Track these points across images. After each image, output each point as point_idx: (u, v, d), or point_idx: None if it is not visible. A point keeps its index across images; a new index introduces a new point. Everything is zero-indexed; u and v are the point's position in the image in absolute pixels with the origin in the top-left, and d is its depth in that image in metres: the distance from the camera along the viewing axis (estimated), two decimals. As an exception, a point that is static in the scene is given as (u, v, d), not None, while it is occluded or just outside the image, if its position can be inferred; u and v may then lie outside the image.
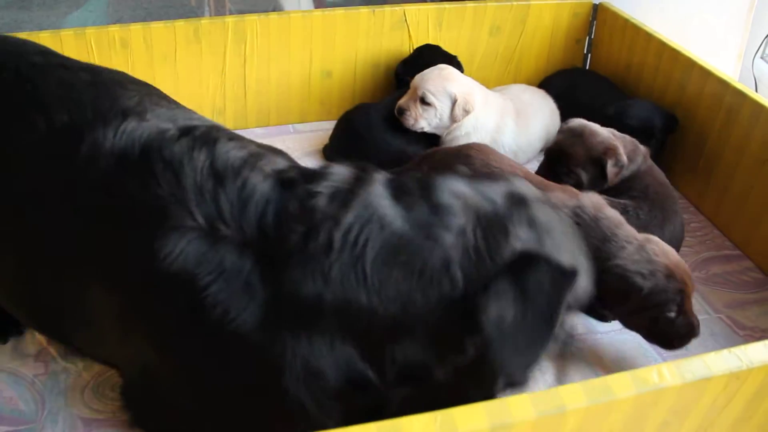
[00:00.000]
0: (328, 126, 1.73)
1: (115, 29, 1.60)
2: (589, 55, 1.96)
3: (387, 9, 1.78)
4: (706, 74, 1.46)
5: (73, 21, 1.98)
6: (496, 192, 0.81)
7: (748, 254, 1.40)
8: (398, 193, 0.80)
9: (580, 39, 1.95)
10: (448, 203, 0.78)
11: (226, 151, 0.83)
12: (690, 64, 1.52)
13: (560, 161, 1.35)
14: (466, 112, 1.55)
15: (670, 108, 1.58)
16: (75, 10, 1.97)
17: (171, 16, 1.95)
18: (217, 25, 1.65)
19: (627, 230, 1.11)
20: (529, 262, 0.75)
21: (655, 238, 1.11)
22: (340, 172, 0.83)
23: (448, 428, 0.67)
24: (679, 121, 1.54)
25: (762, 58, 2.05)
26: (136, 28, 1.60)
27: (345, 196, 0.78)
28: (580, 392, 0.72)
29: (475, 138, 1.57)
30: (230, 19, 1.68)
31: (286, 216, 0.77)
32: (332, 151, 1.66)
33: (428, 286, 0.74)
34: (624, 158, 1.30)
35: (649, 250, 1.07)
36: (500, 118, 1.62)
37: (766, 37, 1.99)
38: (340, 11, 1.74)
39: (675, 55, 1.57)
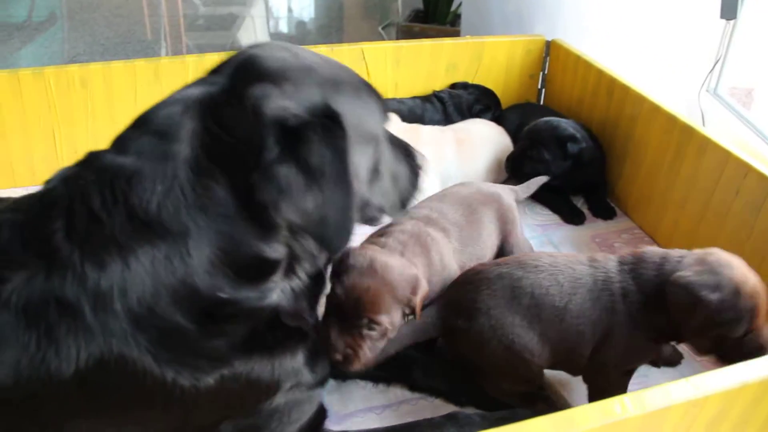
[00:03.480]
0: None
1: (74, 68, 1.59)
2: (543, 90, 2.03)
3: (345, 47, 1.82)
4: (655, 109, 1.53)
5: (27, 56, 1.96)
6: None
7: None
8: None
9: (534, 74, 2.02)
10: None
11: None
12: (640, 100, 1.58)
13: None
14: None
15: (624, 140, 1.65)
16: (29, 45, 1.94)
17: (128, 51, 1.94)
18: (177, 64, 1.66)
19: (676, 251, 1.06)
20: (294, 136, 0.76)
21: (716, 250, 1.04)
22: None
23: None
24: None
25: (707, 91, 2.14)
26: (95, 67, 1.59)
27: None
28: (546, 425, 0.73)
29: None
30: (190, 59, 1.68)
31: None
32: None
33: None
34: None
35: (712, 262, 1.00)
36: (437, 148, 1.66)
37: (710, 71, 2.09)
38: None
39: (625, 90, 1.64)
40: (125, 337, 0.74)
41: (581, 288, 1.04)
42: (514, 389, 1.10)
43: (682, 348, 1.26)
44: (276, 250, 0.82)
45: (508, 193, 1.38)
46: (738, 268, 0.99)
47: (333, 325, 0.99)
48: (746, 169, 1.27)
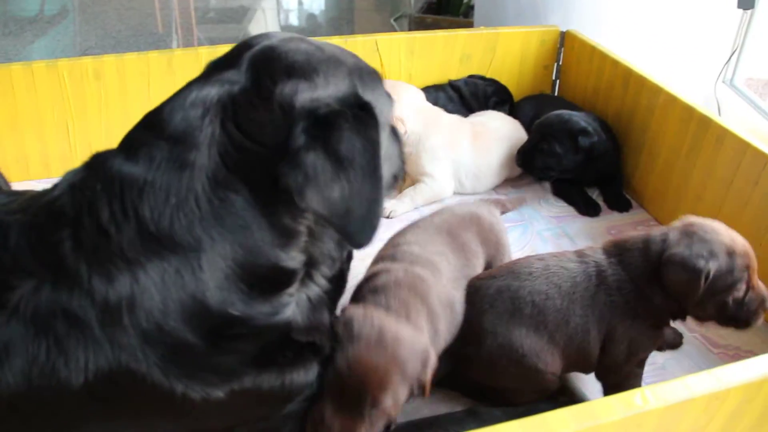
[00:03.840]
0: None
1: (88, 61, 1.59)
2: (558, 80, 2.01)
3: (359, 38, 1.81)
4: (671, 100, 1.51)
5: (39, 49, 1.97)
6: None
7: (719, 274, 1.43)
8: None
9: (548, 65, 2.00)
10: None
11: None
12: (656, 91, 1.56)
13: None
14: None
15: (640, 132, 1.63)
16: (41, 38, 1.95)
17: (140, 44, 1.94)
18: (191, 55, 1.66)
19: (656, 230, 1.05)
20: (325, 125, 0.73)
21: (693, 218, 1.03)
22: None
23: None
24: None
25: (724, 81, 2.12)
26: (109, 59, 1.59)
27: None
28: (567, 417, 0.73)
29: (427, 154, 1.63)
30: (203, 50, 1.68)
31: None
32: None
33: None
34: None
35: (697, 231, 0.99)
36: (453, 136, 1.66)
37: (727, 62, 2.06)
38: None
39: (641, 81, 1.62)
40: (134, 352, 0.73)
41: (579, 286, 1.04)
42: (532, 399, 1.09)
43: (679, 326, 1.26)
44: (293, 259, 0.80)
45: (490, 210, 1.26)
46: (723, 232, 1.00)
47: (329, 401, 0.85)
48: (765, 159, 1.26)
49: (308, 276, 0.84)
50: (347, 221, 0.75)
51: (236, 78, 0.77)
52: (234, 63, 0.79)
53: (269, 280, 0.78)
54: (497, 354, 1.03)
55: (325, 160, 0.73)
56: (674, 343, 1.23)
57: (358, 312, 0.91)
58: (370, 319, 0.89)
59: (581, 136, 1.58)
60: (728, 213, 1.38)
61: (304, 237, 0.80)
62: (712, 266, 0.96)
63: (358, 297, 1.01)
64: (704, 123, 1.40)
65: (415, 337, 0.91)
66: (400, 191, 1.65)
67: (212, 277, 0.74)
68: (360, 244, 0.78)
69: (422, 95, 1.71)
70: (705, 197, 1.44)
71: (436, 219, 1.19)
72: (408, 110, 1.62)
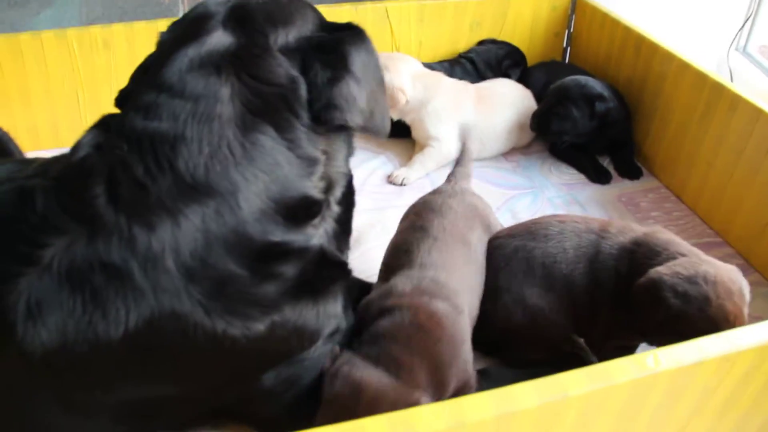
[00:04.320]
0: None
1: (97, 30, 1.59)
2: (569, 48, 1.99)
3: (369, 5, 1.79)
4: (684, 67, 1.50)
5: (46, 20, 1.95)
6: None
7: (729, 241, 1.43)
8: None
9: (559, 32, 1.98)
10: None
11: None
12: (668, 57, 1.55)
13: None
14: (393, 102, 1.61)
15: (651, 99, 1.62)
16: (47, 9, 1.93)
17: (146, 14, 1.92)
18: (200, 23, 1.65)
19: (682, 248, 1.02)
20: (334, 56, 0.85)
21: (715, 262, 0.97)
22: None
23: (457, 417, 0.68)
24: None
25: (737, 49, 2.09)
26: (118, 28, 1.59)
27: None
28: (582, 378, 0.74)
29: (431, 117, 1.62)
30: (213, 18, 1.67)
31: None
32: None
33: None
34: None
35: (701, 271, 0.94)
36: (454, 98, 1.65)
37: (740, 29, 2.04)
38: (321, 8, 1.74)
39: (653, 48, 1.60)
40: (178, 294, 0.75)
41: (584, 257, 1.05)
42: (545, 358, 1.10)
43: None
44: (317, 187, 0.87)
45: (473, 193, 1.21)
46: (725, 287, 0.92)
47: None
48: (778, 127, 1.25)
49: (326, 205, 0.90)
50: (374, 121, 0.91)
51: (225, 40, 0.83)
52: (206, 30, 0.83)
53: (300, 211, 0.84)
54: (511, 309, 1.06)
55: (352, 83, 0.86)
56: None
57: (343, 366, 0.85)
58: (350, 374, 0.84)
59: (598, 102, 1.58)
60: (738, 180, 1.38)
61: (322, 161, 0.87)
62: (675, 305, 0.91)
63: (361, 338, 0.91)
64: (717, 89, 1.40)
65: (400, 394, 0.82)
66: (410, 159, 1.66)
67: (250, 212, 0.79)
68: (385, 134, 0.96)
69: (418, 63, 1.70)
70: (716, 164, 1.44)
71: (448, 226, 1.08)
72: (406, 78, 1.62)
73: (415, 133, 1.70)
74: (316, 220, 0.87)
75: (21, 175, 0.83)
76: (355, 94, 0.87)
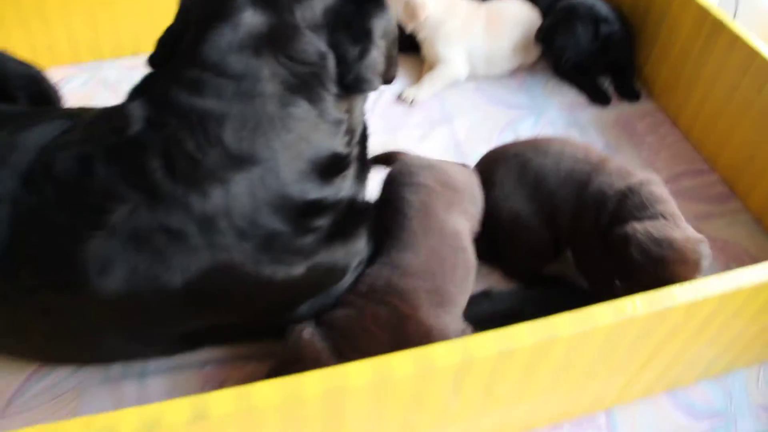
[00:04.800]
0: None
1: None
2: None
3: None
4: (687, 2, 1.53)
5: None
6: None
7: (716, 169, 1.54)
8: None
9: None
10: None
11: None
12: (674, -15, 1.57)
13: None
14: (413, 15, 1.66)
15: (654, 25, 1.66)
16: None
17: None
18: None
19: (667, 207, 1.12)
20: (360, 31, 0.94)
21: (689, 230, 1.09)
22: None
23: (468, 354, 0.82)
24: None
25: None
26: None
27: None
28: (568, 321, 0.88)
29: (442, 40, 1.69)
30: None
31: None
32: None
33: None
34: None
35: (668, 236, 1.05)
36: (467, 22, 1.70)
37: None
38: None
39: (661, -28, 1.62)
40: (230, 250, 0.87)
41: (573, 183, 1.17)
42: (532, 266, 1.25)
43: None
44: (343, 143, 0.98)
45: (471, 174, 1.23)
46: (680, 251, 1.04)
47: None
48: (771, 69, 1.32)
49: (350, 153, 1.01)
50: (387, 76, 1.06)
51: (257, 20, 0.88)
52: (235, 7, 0.88)
53: (331, 167, 0.96)
54: (499, 205, 1.21)
55: (376, 54, 0.96)
56: None
57: (303, 333, 0.98)
58: (300, 342, 0.97)
59: (603, 24, 1.63)
60: (731, 113, 1.46)
61: (346, 119, 0.98)
62: (638, 260, 1.04)
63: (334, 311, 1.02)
64: (717, 27, 1.44)
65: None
66: (417, 76, 1.73)
67: (290, 175, 0.90)
68: (393, 81, 1.12)
69: None
70: (711, 96, 1.51)
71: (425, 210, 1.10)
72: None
73: (424, 51, 1.75)
74: (346, 172, 0.99)
75: (74, 139, 0.91)
76: (378, 63, 0.97)
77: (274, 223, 0.90)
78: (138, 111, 0.88)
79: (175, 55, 0.91)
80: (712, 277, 0.93)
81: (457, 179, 1.17)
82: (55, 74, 1.70)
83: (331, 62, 0.92)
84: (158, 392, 1.09)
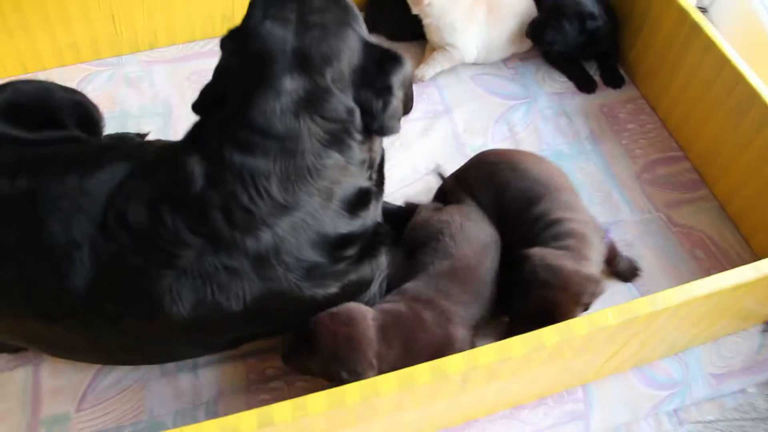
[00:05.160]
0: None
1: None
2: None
3: None
4: (668, 2, 1.65)
5: None
6: None
7: (690, 157, 1.70)
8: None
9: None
10: None
11: None
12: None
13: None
14: (415, 1, 1.78)
15: (640, 17, 1.78)
16: None
17: None
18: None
19: (578, 244, 1.28)
20: (383, 90, 1.07)
21: (588, 269, 1.25)
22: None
23: (473, 362, 1.03)
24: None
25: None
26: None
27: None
28: (553, 332, 1.07)
29: (447, 27, 1.79)
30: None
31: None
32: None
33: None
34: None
35: (559, 266, 1.22)
36: (469, 11, 1.81)
37: None
38: None
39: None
40: (280, 280, 1.06)
41: (525, 199, 1.37)
42: None
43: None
44: (368, 179, 1.15)
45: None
46: (563, 281, 1.21)
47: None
48: (738, 77, 1.46)
49: (374, 185, 1.18)
50: (407, 111, 1.19)
51: (295, 84, 1.02)
52: (275, 73, 1.02)
53: (358, 202, 1.13)
54: (471, 183, 1.46)
55: (396, 103, 1.10)
56: (629, 274, 1.49)
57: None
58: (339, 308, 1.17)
59: (589, 20, 1.75)
60: (705, 107, 1.60)
61: (369, 157, 1.14)
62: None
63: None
64: (695, 30, 1.56)
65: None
66: (425, 58, 1.87)
67: (326, 215, 1.08)
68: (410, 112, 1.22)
69: None
70: (688, 89, 1.65)
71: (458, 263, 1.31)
72: None
73: (429, 35, 1.87)
74: (371, 204, 1.16)
75: (141, 191, 1.06)
76: (399, 110, 1.12)
77: (314, 256, 1.08)
78: (198, 168, 1.03)
79: (223, 109, 1.05)
80: (669, 291, 1.13)
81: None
82: (78, 72, 1.83)
83: (357, 115, 1.06)
84: (210, 382, 1.32)
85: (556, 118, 1.79)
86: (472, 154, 1.68)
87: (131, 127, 1.71)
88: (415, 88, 1.77)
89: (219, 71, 1.10)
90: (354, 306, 1.18)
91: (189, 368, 1.33)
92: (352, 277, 1.15)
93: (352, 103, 1.06)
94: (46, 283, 1.04)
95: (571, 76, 1.88)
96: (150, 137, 1.67)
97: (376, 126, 1.09)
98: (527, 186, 1.37)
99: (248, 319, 1.09)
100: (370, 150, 1.14)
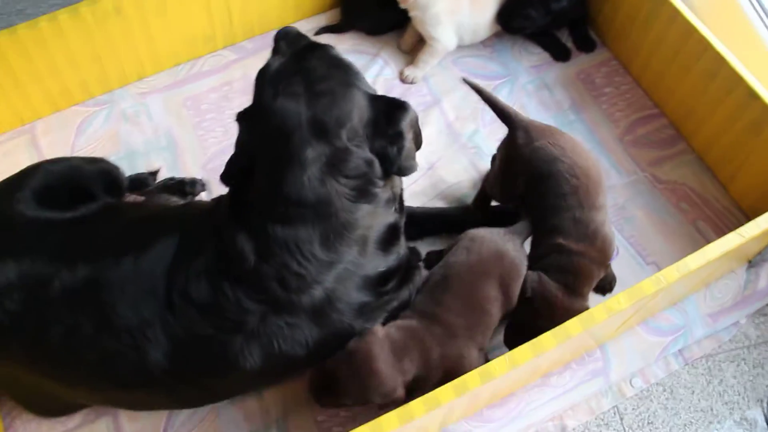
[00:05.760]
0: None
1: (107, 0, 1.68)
2: None
3: None
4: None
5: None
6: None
7: (666, 113, 1.82)
8: None
9: None
10: None
11: None
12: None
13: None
14: None
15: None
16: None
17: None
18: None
19: (575, 282, 1.36)
20: (395, 136, 1.17)
21: (577, 302, 1.35)
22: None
23: (513, 363, 1.19)
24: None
25: None
26: (126, -5, 1.69)
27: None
28: (577, 324, 1.24)
29: (432, 19, 1.84)
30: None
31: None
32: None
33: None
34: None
35: (547, 290, 1.34)
36: (454, 3, 1.86)
37: None
38: None
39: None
40: (335, 323, 1.20)
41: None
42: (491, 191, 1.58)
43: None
44: (394, 214, 1.26)
45: (515, 244, 1.41)
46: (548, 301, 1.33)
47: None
48: (705, 45, 1.58)
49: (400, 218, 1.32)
50: (418, 145, 1.28)
51: (317, 152, 1.12)
52: (297, 145, 1.11)
53: (390, 239, 1.26)
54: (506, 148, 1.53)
55: (408, 146, 1.19)
56: (608, 288, 1.53)
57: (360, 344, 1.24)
58: (356, 340, 1.24)
59: (553, 2, 1.83)
60: (675, 69, 1.72)
61: (392, 193, 1.25)
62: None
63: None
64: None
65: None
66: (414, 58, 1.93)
67: (365, 259, 1.22)
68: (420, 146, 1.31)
69: None
70: (658, 53, 1.75)
71: (464, 273, 1.35)
72: None
73: (416, 26, 1.92)
74: (400, 239, 1.29)
75: (199, 269, 1.17)
76: (412, 151, 1.23)
77: (361, 297, 1.22)
78: (247, 246, 1.15)
79: (254, 183, 1.16)
80: (666, 269, 1.29)
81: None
82: (75, 116, 1.87)
83: (376, 164, 1.17)
84: (275, 401, 1.46)
85: (538, 92, 1.90)
86: (467, 143, 1.79)
87: (140, 166, 1.77)
88: (399, 82, 1.91)
89: (241, 145, 1.21)
90: (366, 335, 1.24)
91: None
92: (395, 303, 1.30)
93: (369, 155, 1.16)
94: (128, 360, 1.17)
95: (545, 47, 1.97)
96: (162, 173, 1.75)
97: (395, 170, 1.20)
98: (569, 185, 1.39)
99: (312, 359, 1.24)
100: (393, 187, 1.26)
